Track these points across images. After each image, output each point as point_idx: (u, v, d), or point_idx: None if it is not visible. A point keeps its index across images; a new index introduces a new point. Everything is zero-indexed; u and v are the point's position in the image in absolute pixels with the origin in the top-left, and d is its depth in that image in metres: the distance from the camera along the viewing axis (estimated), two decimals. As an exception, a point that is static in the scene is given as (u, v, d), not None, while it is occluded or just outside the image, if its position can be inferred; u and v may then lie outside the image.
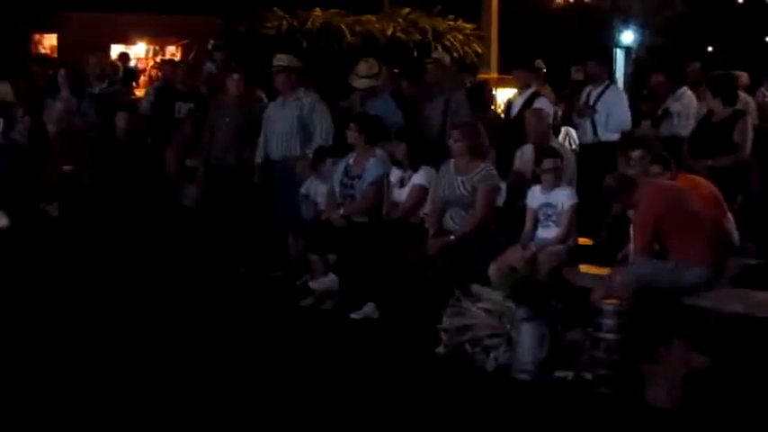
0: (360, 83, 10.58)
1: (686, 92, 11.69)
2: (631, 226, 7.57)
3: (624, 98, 11.47)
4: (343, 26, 15.72)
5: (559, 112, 11.91)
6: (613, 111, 11.02)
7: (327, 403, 6.49)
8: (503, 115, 11.94)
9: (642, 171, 7.99)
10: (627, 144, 9.02)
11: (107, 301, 8.82)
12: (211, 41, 13.19)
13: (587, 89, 11.38)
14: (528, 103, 10.61)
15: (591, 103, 11.13)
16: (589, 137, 11.13)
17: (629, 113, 11.27)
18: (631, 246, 7.66)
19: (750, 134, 9.22)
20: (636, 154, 8.26)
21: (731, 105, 9.33)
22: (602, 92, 11.17)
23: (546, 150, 8.71)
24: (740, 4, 24.59)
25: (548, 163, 8.35)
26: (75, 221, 10.09)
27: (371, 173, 9.36)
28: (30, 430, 6.00)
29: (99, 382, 6.71)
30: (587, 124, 11.14)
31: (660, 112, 11.53)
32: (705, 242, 7.19)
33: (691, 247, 7.15)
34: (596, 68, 11.44)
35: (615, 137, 10.77)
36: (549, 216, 8.30)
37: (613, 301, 6.83)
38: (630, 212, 7.79)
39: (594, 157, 10.45)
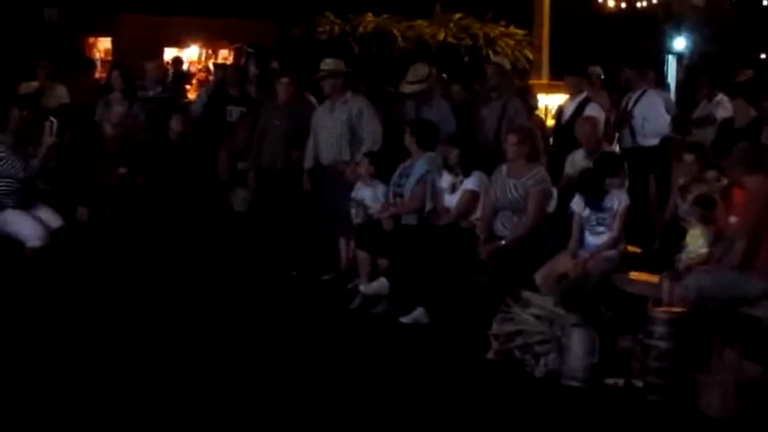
0: (408, 88, 10.56)
1: (724, 98, 11.60)
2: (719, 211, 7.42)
3: (660, 103, 11.56)
4: (395, 31, 15.74)
5: (612, 119, 11.88)
6: (649, 116, 11.18)
7: (377, 406, 6.52)
8: (554, 121, 11.93)
9: (695, 176, 7.98)
10: (680, 149, 9.03)
11: (159, 302, 8.89)
12: (245, 49, 13.20)
13: (627, 95, 11.54)
14: (580, 110, 10.61)
15: (628, 108, 11.25)
16: (628, 142, 11.29)
17: (666, 118, 11.39)
18: (683, 255, 7.56)
19: None
20: (688, 158, 8.24)
21: (755, 111, 9.70)
22: (639, 97, 11.28)
23: (608, 158, 8.66)
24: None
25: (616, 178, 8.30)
26: (128, 223, 10.16)
27: (418, 171, 9.41)
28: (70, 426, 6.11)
29: (152, 381, 6.80)
30: (626, 129, 11.26)
31: (697, 116, 11.55)
32: None
33: (762, 258, 7.06)
34: (631, 75, 11.56)
35: (654, 142, 10.93)
36: (604, 220, 8.13)
37: (665, 308, 6.79)
38: (684, 211, 7.76)
39: (634, 161, 10.42)
